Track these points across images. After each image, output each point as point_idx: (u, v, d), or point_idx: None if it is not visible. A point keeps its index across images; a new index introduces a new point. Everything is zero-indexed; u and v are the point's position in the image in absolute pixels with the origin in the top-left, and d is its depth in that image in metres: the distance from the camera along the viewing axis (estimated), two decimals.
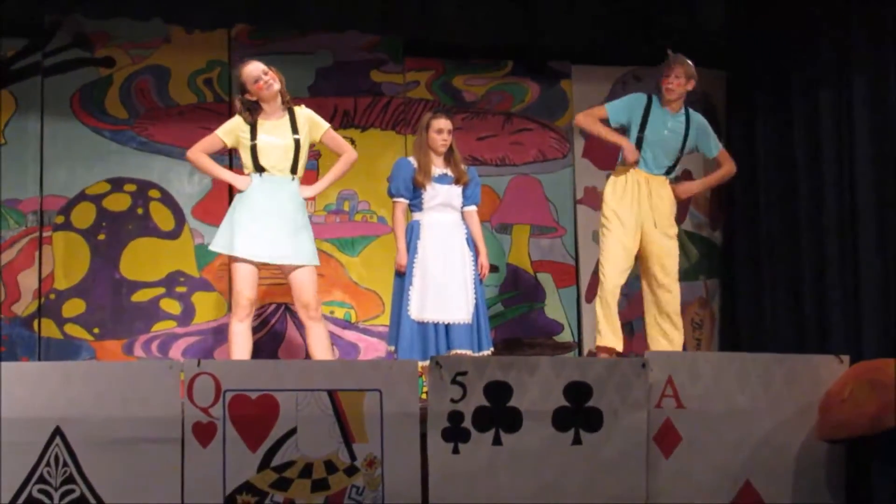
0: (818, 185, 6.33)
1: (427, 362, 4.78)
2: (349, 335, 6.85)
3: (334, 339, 6.08)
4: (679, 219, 6.34)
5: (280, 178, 5.53)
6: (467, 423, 4.56)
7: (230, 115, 5.95)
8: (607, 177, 6.24)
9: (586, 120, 6.20)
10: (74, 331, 6.52)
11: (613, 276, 5.95)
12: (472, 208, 6.00)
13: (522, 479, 4.59)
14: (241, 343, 5.48)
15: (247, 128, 5.54)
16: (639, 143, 6.03)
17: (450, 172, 5.92)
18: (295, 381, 4.48)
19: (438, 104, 7.06)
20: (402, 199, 5.91)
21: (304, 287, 5.53)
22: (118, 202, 6.69)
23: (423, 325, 5.74)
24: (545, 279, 7.18)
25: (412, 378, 4.62)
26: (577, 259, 7.22)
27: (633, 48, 6.79)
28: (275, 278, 6.21)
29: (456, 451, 4.55)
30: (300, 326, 6.30)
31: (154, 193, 6.74)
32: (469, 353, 5.71)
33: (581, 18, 6.72)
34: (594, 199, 7.11)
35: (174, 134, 6.71)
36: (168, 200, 6.75)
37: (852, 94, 6.06)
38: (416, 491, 4.51)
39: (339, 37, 6.88)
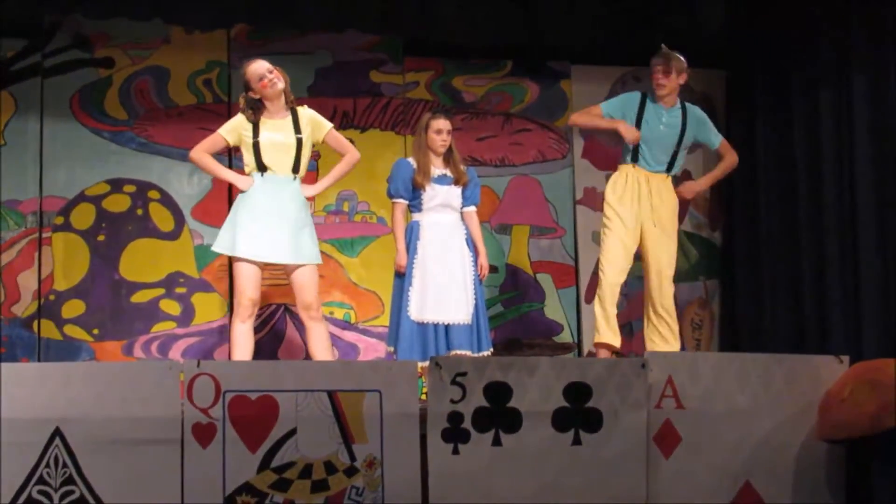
0: (818, 185, 6.32)
1: (427, 363, 4.78)
2: (349, 336, 6.85)
3: (334, 340, 6.08)
4: (679, 219, 6.33)
5: (282, 178, 5.53)
6: (467, 423, 4.56)
7: (229, 115, 5.95)
8: (607, 177, 6.25)
9: (581, 116, 6.26)
10: (74, 332, 6.52)
11: (612, 275, 5.99)
12: (472, 209, 6.00)
13: (522, 480, 4.58)
14: (242, 343, 5.48)
15: (249, 126, 5.54)
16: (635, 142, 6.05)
17: (449, 173, 5.92)
18: (294, 381, 4.48)
19: (438, 104, 7.06)
20: (401, 200, 5.91)
21: (306, 287, 5.53)
22: (118, 203, 6.69)
23: (422, 326, 5.74)
24: (545, 280, 7.18)
25: (412, 379, 4.61)
26: (576, 259, 7.22)
27: (633, 48, 6.77)
28: (274, 279, 6.22)
29: (456, 451, 4.55)
30: (300, 327, 6.30)
31: (153, 194, 6.74)
32: (469, 353, 5.71)
33: (581, 18, 6.71)
34: (594, 200, 7.11)
35: (174, 135, 6.71)
36: (167, 201, 6.75)
37: (852, 94, 6.06)
38: (415, 492, 4.51)
39: (339, 37, 6.88)
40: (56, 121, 6.63)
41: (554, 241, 7.21)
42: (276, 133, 5.52)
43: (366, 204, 6.96)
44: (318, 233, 5.76)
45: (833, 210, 6.21)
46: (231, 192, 6.59)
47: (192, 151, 5.65)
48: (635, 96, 6.14)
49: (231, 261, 5.66)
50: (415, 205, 5.91)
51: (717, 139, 6.25)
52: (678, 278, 6.22)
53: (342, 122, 6.87)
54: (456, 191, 5.92)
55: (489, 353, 5.85)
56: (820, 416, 4.86)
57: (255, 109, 5.55)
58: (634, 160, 6.06)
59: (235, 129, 5.58)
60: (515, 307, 7.14)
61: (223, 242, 5.54)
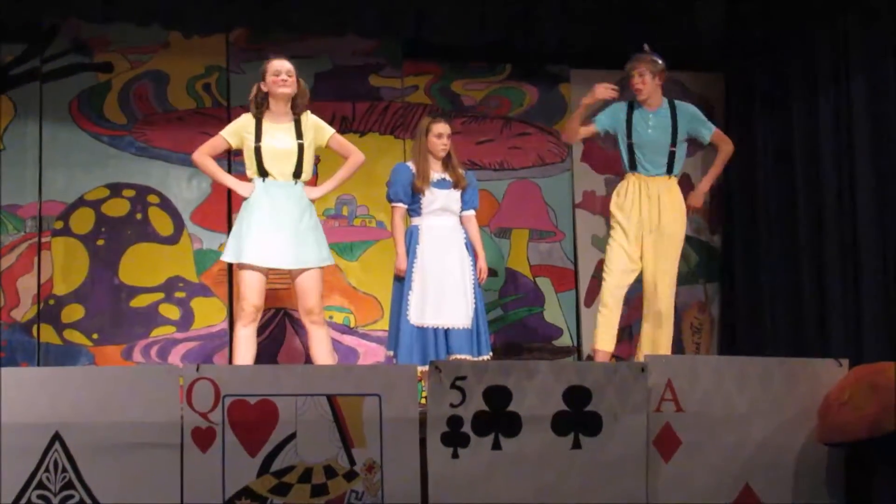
0: (817, 187, 6.32)
1: (426, 367, 4.78)
2: (348, 340, 6.84)
3: (333, 344, 6.07)
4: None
5: (283, 183, 5.52)
6: (467, 427, 4.56)
7: (229, 119, 5.94)
8: (606, 181, 6.26)
9: (566, 127, 6.34)
10: (74, 336, 6.52)
11: (612, 279, 6.01)
12: (471, 213, 6.00)
13: (522, 484, 4.58)
14: (245, 348, 5.46)
15: (252, 129, 5.52)
16: (629, 150, 6.07)
17: (448, 177, 5.92)
18: (294, 386, 4.48)
19: (437, 108, 7.06)
20: (400, 204, 5.91)
21: (310, 292, 5.52)
22: (117, 207, 6.69)
23: (422, 330, 5.74)
24: (544, 283, 7.18)
25: (411, 383, 4.61)
26: (575, 263, 7.21)
27: (632, 52, 6.77)
28: (273, 283, 6.21)
29: (455, 455, 4.55)
30: (299, 331, 6.31)
31: (153, 199, 6.74)
32: (468, 357, 5.70)
33: (580, 22, 6.72)
34: (593, 204, 7.12)
35: (173, 139, 6.72)
36: (167, 206, 6.75)
37: (851, 97, 6.06)
38: (415, 496, 4.51)
39: (338, 41, 6.88)
40: (55, 125, 6.63)
41: (553, 245, 7.21)
42: (278, 138, 5.51)
43: (365, 208, 6.97)
44: None
45: (832, 212, 6.20)
46: (231, 197, 6.59)
47: (195, 154, 5.63)
48: (622, 105, 6.15)
49: (235, 266, 5.64)
50: (414, 209, 5.91)
51: (708, 132, 6.19)
52: (677, 282, 6.21)
53: (341, 126, 6.86)
54: (455, 195, 5.92)
55: (489, 356, 5.84)
56: (820, 419, 4.86)
57: (260, 105, 5.54)
58: (633, 168, 6.07)
59: (238, 131, 5.57)
60: (515, 311, 7.14)
61: (230, 252, 5.52)
